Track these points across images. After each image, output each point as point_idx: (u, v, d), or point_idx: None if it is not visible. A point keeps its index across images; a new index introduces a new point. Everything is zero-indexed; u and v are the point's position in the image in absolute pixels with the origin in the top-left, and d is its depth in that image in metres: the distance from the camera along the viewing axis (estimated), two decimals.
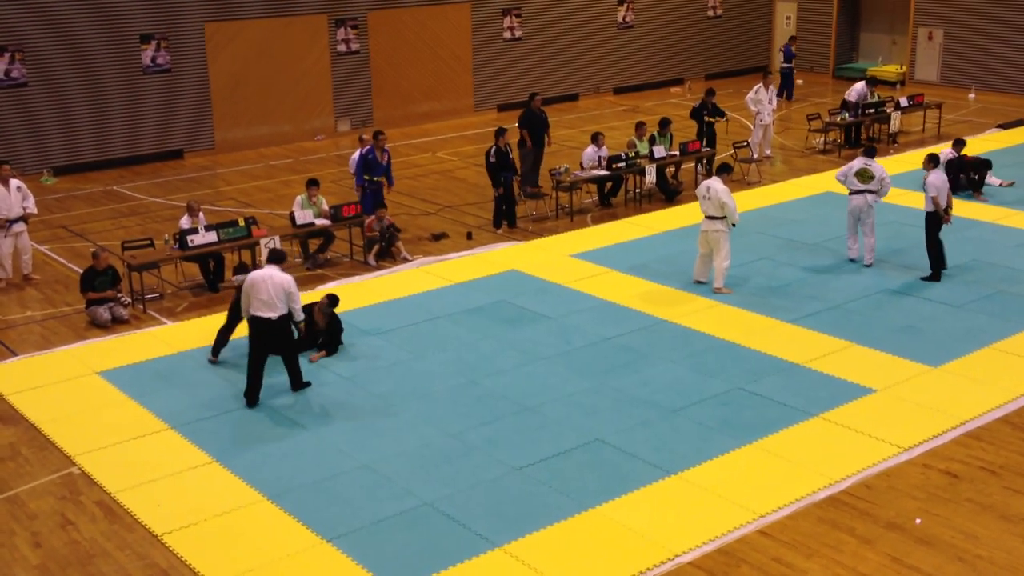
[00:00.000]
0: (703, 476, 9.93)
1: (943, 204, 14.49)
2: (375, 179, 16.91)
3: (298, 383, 11.83)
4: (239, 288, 11.94)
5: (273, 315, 11.32)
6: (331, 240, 16.26)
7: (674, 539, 8.97)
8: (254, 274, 11.51)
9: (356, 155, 17.29)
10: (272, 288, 11.29)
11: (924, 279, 14.70)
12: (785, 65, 28.13)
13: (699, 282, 14.73)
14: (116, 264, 14.58)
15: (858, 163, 15.24)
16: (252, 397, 11.55)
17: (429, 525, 9.26)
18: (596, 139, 18.93)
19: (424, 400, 11.60)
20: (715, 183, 14.24)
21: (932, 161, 14.72)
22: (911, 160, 20.92)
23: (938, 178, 14.51)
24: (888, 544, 8.91)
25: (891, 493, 9.66)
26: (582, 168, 18.75)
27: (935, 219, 14.59)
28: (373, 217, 16.31)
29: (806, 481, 9.82)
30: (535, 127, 19.18)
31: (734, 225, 14.37)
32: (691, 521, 9.24)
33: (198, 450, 10.64)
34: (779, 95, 28.16)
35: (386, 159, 16.97)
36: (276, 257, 11.79)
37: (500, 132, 17.88)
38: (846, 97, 23.07)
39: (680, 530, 9.10)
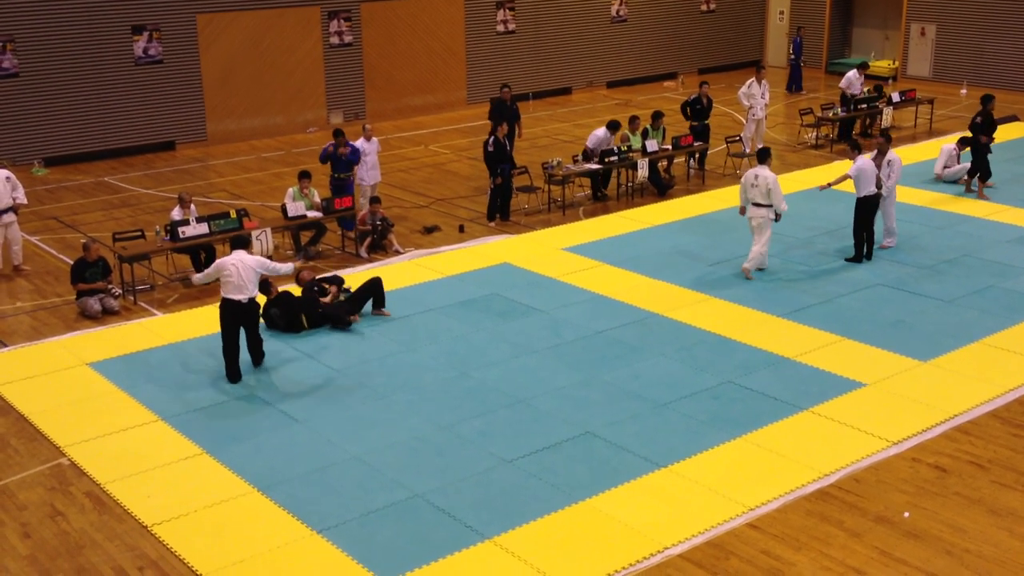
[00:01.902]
0: (693, 469, 9.95)
1: (861, 192, 14.92)
2: (340, 176, 16.84)
3: (259, 358, 12.26)
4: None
5: (244, 297, 11.78)
6: (323, 232, 16.25)
7: (664, 532, 8.99)
8: (223, 260, 11.91)
9: (359, 142, 17.25)
10: (243, 271, 11.74)
11: (848, 260, 15.27)
12: (795, 57, 28.11)
13: (760, 269, 14.95)
14: (107, 255, 14.56)
15: (871, 161, 15.23)
16: (234, 374, 11.90)
17: (419, 517, 9.27)
18: (613, 127, 18.98)
19: (415, 392, 11.60)
20: (763, 171, 14.51)
21: (855, 148, 15.27)
22: (903, 156, 20.94)
23: (865, 163, 14.97)
24: (876, 537, 8.94)
25: (880, 487, 9.69)
26: (587, 149, 18.77)
27: (865, 203, 14.99)
28: (366, 210, 16.30)
29: (795, 474, 9.85)
30: (504, 119, 19.09)
31: (779, 216, 14.64)
32: (681, 514, 9.26)
33: (188, 441, 10.63)
34: (789, 89, 28.17)
35: (348, 152, 16.90)
36: (242, 242, 12.13)
37: (499, 122, 17.87)
38: (843, 90, 23.09)
39: (670, 523, 9.12)
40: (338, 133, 16.92)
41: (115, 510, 9.54)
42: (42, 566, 8.77)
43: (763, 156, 14.93)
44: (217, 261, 12.08)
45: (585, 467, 10.02)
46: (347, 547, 8.84)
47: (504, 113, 19.09)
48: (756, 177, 14.50)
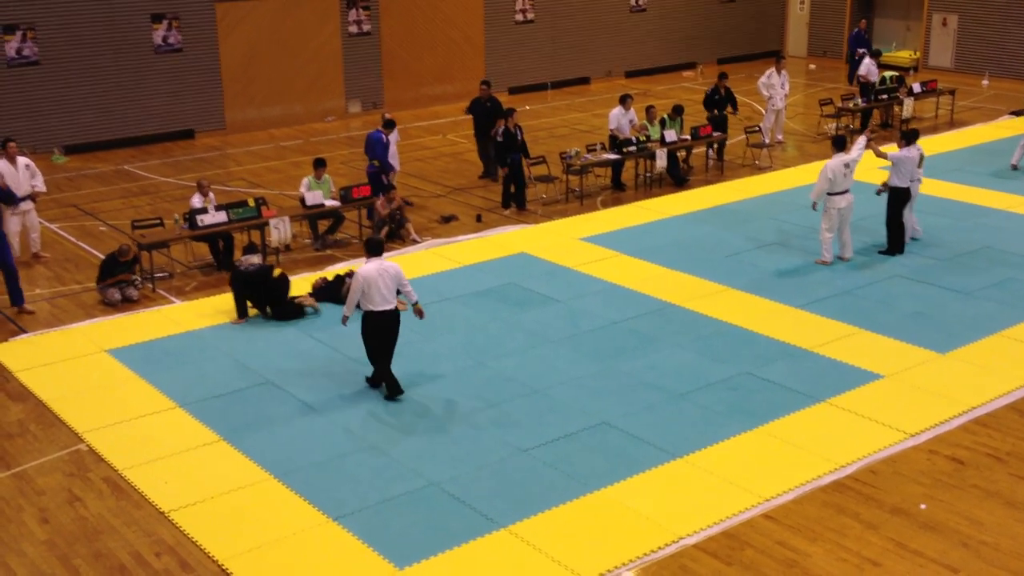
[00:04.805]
0: (709, 460, 9.94)
1: (895, 181, 14.91)
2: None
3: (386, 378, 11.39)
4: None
5: (391, 307, 11.07)
6: (341, 221, 16.27)
7: (679, 522, 8.98)
8: (367, 272, 10.88)
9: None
10: (390, 280, 10.96)
11: (882, 252, 15.21)
12: (861, 50, 27.72)
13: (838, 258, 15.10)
14: (126, 243, 14.58)
15: (916, 152, 15.16)
16: (394, 386, 11.29)
17: (435, 505, 9.29)
18: (624, 101, 19.02)
19: (432, 381, 11.62)
20: (846, 156, 14.67)
21: (905, 138, 15.23)
22: (924, 147, 20.79)
23: (907, 154, 14.94)
24: (892, 529, 8.92)
25: (896, 478, 9.66)
26: (612, 132, 18.87)
27: (898, 195, 14.96)
28: (383, 199, 16.32)
29: (812, 466, 9.82)
30: (479, 116, 19.06)
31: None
32: (696, 504, 9.25)
33: (206, 428, 10.68)
34: (851, 81, 27.70)
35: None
36: (377, 248, 11.14)
37: (508, 112, 17.88)
38: (860, 79, 22.93)
39: (685, 513, 9.12)
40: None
41: (132, 496, 9.60)
42: (60, 551, 8.84)
43: (842, 143, 14.90)
44: (358, 273, 10.92)
45: (601, 457, 10.02)
46: (363, 534, 8.88)
47: (478, 112, 19.03)
48: (847, 166, 14.55)
